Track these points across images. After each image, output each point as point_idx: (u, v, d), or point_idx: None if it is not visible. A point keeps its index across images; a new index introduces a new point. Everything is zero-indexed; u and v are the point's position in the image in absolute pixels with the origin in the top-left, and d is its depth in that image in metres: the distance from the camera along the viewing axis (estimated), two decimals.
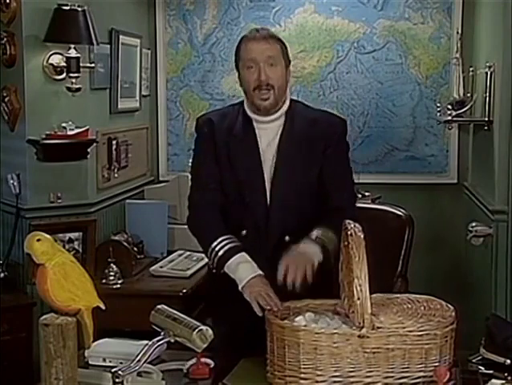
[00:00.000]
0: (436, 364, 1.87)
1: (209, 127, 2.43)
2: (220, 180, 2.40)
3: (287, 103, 2.44)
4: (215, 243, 2.30)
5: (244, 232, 2.36)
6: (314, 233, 2.27)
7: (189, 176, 2.55)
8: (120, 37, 3.83)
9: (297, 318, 1.98)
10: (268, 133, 2.40)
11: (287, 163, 2.37)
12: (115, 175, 3.85)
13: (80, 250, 3.44)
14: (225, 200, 2.41)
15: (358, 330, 1.83)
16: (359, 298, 1.81)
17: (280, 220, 2.36)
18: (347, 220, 2.07)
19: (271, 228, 2.36)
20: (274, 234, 2.36)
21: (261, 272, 2.25)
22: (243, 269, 2.25)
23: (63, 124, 3.32)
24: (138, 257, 3.69)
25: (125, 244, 3.56)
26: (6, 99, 3.40)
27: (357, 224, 2.07)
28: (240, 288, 2.23)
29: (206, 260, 2.58)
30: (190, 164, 2.55)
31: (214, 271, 2.35)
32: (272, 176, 2.36)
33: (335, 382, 1.85)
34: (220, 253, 2.29)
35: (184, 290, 3.26)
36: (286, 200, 2.36)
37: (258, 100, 2.35)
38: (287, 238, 2.35)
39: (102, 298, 1.84)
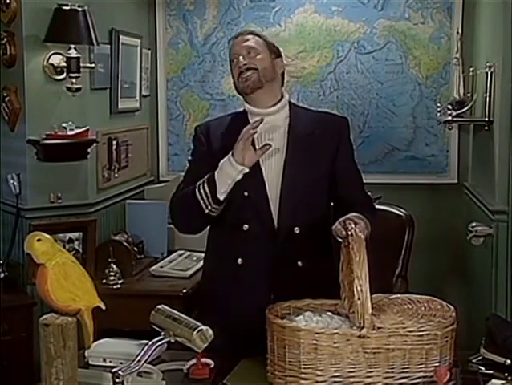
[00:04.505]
0: (437, 364, 1.87)
1: (205, 133, 2.46)
2: None
3: (284, 100, 2.45)
4: (196, 189, 2.30)
5: (246, 226, 2.36)
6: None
7: None
8: (120, 37, 3.83)
9: (297, 318, 1.97)
10: (271, 128, 2.39)
11: (297, 157, 2.38)
12: (116, 175, 3.85)
13: (80, 250, 3.44)
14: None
15: (358, 330, 1.83)
16: (359, 299, 1.81)
17: (289, 213, 2.35)
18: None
19: (281, 220, 2.35)
20: (283, 226, 2.36)
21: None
22: (223, 166, 2.27)
23: (63, 124, 3.32)
24: (138, 257, 3.69)
25: (125, 244, 3.55)
26: (7, 99, 3.39)
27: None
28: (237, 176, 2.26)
29: None
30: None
31: (214, 212, 2.32)
32: (282, 170, 2.36)
33: (335, 382, 1.85)
34: (204, 184, 2.28)
35: (185, 290, 3.26)
36: (296, 192, 2.36)
37: (241, 84, 2.39)
38: (297, 230, 2.35)
39: (102, 298, 1.84)
